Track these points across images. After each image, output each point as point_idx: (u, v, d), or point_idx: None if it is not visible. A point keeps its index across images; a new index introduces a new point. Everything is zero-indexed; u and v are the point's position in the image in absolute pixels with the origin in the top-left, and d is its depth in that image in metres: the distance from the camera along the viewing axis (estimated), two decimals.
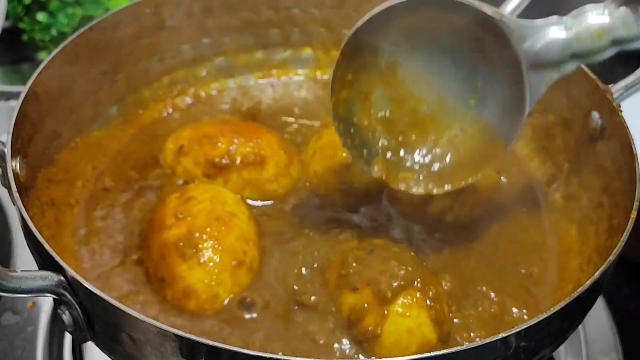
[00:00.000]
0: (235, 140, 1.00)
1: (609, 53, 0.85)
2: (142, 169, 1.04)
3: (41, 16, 1.42)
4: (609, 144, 0.97)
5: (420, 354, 0.71)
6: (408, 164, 0.93)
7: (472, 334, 0.87)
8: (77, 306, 0.77)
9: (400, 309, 0.84)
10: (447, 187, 0.92)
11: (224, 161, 0.99)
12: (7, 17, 1.38)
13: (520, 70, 0.85)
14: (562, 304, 0.76)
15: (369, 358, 0.84)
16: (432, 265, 0.93)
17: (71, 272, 0.76)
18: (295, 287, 0.90)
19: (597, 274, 0.80)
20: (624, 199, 0.91)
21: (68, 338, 1.07)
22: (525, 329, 0.74)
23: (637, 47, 0.85)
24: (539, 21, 0.85)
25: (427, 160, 0.93)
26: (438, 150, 0.92)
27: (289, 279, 0.91)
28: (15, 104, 0.91)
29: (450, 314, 0.88)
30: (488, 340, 0.72)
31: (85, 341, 0.81)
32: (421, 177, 0.92)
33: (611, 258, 0.81)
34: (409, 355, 0.70)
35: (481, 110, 0.90)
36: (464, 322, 0.88)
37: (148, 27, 1.11)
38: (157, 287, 0.89)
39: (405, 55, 0.89)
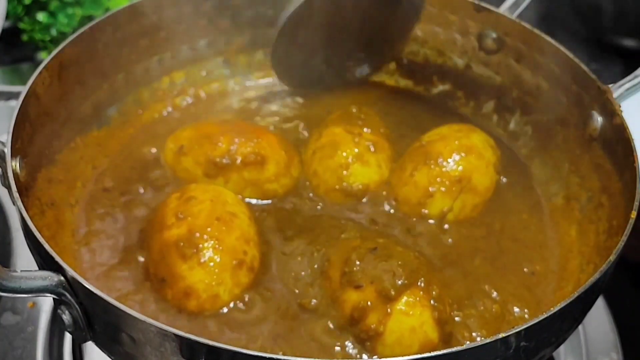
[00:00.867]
0: (236, 140, 1.00)
1: None
2: (142, 169, 1.04)
3: (41, 16, 1.42)
4: (609, 144, 0.97)
5: (422, 353, 0.71)
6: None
7: (473, 334, 0.87)
8: (77, 306, 0.77)
9: (403, 308, 0.84)
10: None
11: (224, 161, 0.99)
12: (7, 17, 1.38)
13: None
14: (562, 304, 0.76)
15: (371, 357, 0.84)
16: (434, 264, 0.94)
17: (71, 272, 0.76)
18: (296, 288, 0.90)
19: (597, 274, 0.80)
20: (624, 199, 0.91)
21: (68, 338, 1.07)
22: (525, 329, 0.74)
23: None
24: None
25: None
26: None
27: (290, 279, 0.91)
28: (15, 104, 0.91)
29: (452, 313, 0.88)
30: (488, 340, 0.72)
31: (85, 341, 0.81)
32: None
33: (611, 258, 0.81)
34: (409, 355, 0.70)
35: None
36: (465, 322, 0.88)
37: (148, 27, 1.11)
38: (158, 287, 0.89)
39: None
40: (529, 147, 1.11)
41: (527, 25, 1.08)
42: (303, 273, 0.91)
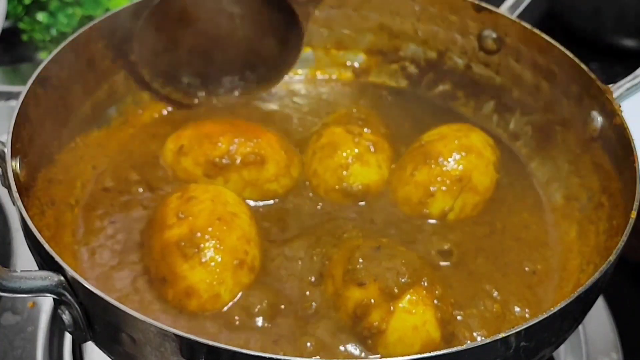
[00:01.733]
0: (236, 140, 1.00)
1: None
2: (142, 169, 1.04)
3: (41, 16, 1.42)
4: (609, 144, 0.97)
5: (424, 352, 0.71)
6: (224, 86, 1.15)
7: (474, 334, 0.87)
8: (77, 306, 0.77)
9: (406, 306, 0.84)
10: None
11: (224, 161, 0.99)
12: (7, 17, 1.38)
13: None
14: (562, 304, 0.76)
15: (372, 356, 0.84)
16: (436, 264, 0.94)
17: (71, 272, 0.76)
18: (297, 287, 0.90)
19: (597, 274, 0.80)
20: (624, 199, 0.91)
21: (68, 338, 1.07)
22: (525, 329, 0.74)
23: None
24: None
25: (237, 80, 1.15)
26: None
27: (290, 279, 0.91)
28: (15, 104, 0.91)
29: (454, 312, 0.88)
30: (488, 340, 0.72)
31: (85, 341, 0.81)
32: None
33: (611, 258, 0.81)
34: (410, 355, 0.70)
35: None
36: (467, 321, 0.88)
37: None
38: (158, 287, 0.89)
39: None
40: (529, 147, 1.11)
41: (527, 25, 1.08)
42: (304, 272, 0.91)
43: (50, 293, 0.77)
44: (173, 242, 0.88)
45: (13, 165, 0.87)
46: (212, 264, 0.87)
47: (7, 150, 0.87)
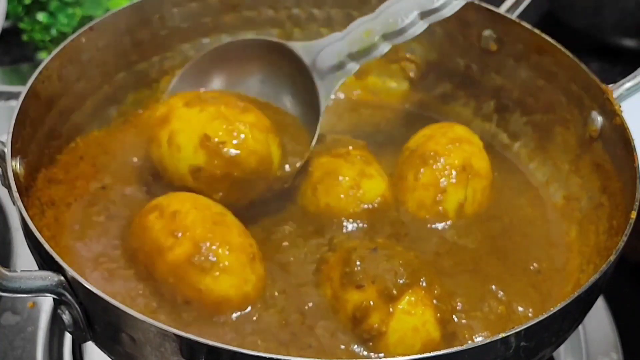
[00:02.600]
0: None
1: (385, 48, 1.02)
2: (142, 169, 1.04)
3: (41, 16, 1.42)
4: (609, 144, 0.97)
5: (424, 352, 0.71)
6: None
7: (476, 334, 0.87)
8: (77, 306, 0.77)
9: (406, 307, 0.84)
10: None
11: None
12: (7, 17, 1.38)
13: (312, 79, 1.02)
14: (562, 304, 0.76)
15: (373, 357, 0.84)
16: (439, 264, 0.94)
17: (71, 272, 0.76)
18: (294, 290, 0.89)
19: (597, 274, 0.80)
20: (624, 199, 0.91)
21: (68, 338, 1.07)
22: (525, 329, 0.74)
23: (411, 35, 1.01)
24: (319, 40, 1.04)
25: None
26: None
27: (289, 280, 0.91)
28: (15, 104, 0.91)
29: (456, 312, 0.88)
30: (488, 340, 0.73)
31: (85, 341, 0.81)
32: None
33: (611, 258, 0.81)
34: (411, 355, 0.70)
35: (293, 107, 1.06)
36: (468, 321, 0.88)
37: (148, 27, 1.10)
38: (181, 310, 0.86)
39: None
40: (529, 147, 1.11)
41: (527, 25, 1.08)
42: (301, 274, 0.91)
43: (50, 293, 0.77)
44: (183, 262, 0.85)
45: (13, 165, 0.87)
46: (232, 266, 0.85)
47: (7, 150, 0.87)
